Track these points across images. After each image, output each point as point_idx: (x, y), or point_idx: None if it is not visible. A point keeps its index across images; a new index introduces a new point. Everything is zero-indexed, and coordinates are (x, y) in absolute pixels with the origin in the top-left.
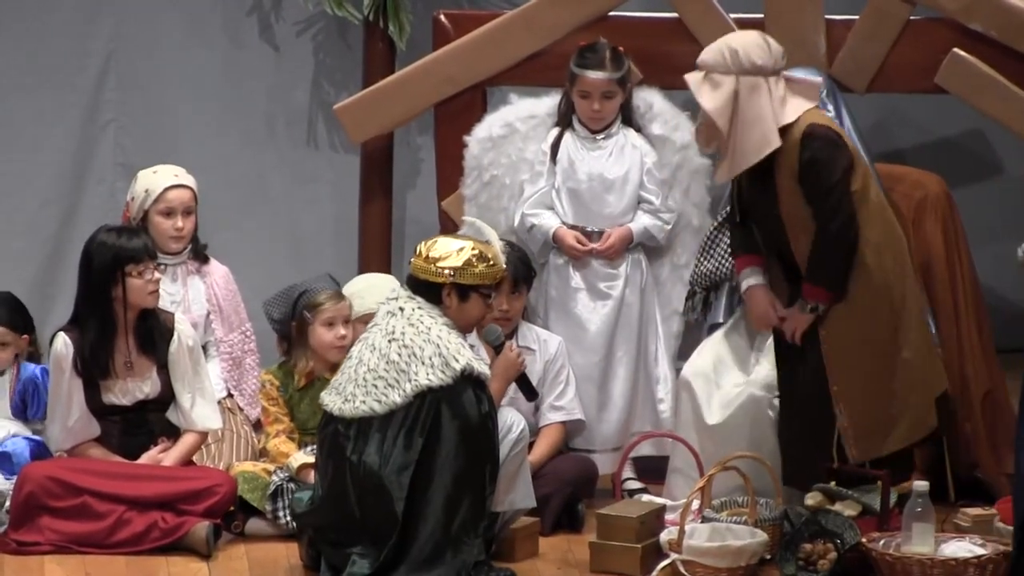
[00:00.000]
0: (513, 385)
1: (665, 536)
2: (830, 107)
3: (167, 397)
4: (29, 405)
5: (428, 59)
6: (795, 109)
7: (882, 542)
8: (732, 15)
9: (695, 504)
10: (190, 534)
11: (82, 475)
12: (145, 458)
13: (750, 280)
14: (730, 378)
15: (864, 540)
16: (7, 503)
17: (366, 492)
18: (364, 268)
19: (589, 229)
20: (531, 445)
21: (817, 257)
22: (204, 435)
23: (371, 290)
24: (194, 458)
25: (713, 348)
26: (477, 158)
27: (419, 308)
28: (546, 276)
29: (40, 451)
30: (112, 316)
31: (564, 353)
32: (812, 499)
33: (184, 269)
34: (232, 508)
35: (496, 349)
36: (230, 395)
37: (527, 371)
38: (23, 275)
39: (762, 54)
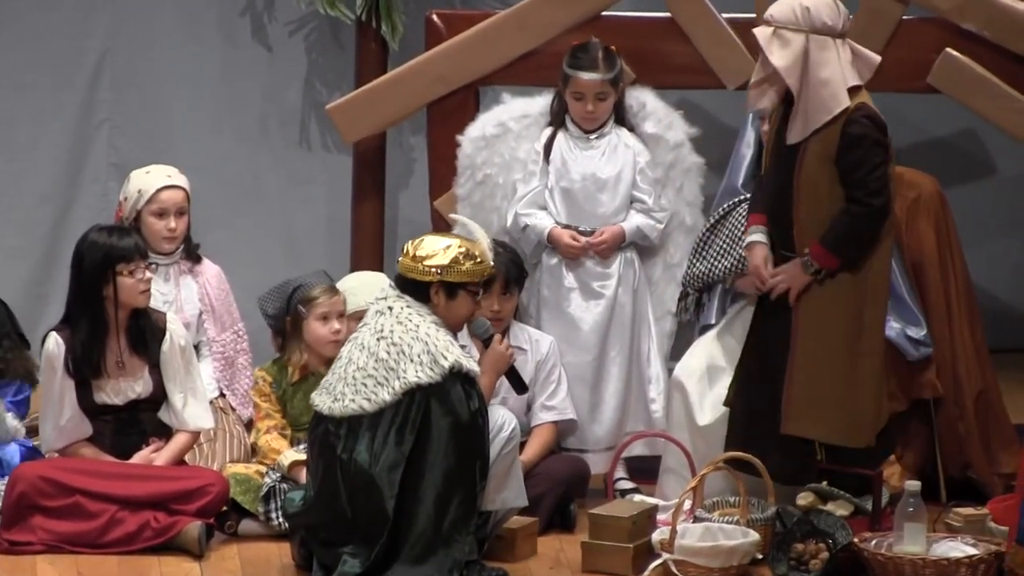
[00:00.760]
0: (506, 384)
1: (657, 536)
2: None
3: (159, 397)
4: None
5: (421, 59)
6: (855, 78)
7: (874, 542)
8: (724, 15)
9: (687, 504)
10: (182, 534)
11: (74, 475)
12: (137, 458)
13: (754, 236)
14: (722, 379)
15: (856, 540)
16: None
17: (357, 490)
18: (357, 268)
19: (582, 229)
20: (523, 445)
21: (844, 229)
22: (196, 435)
23: (363, 288)
24: (186, 458)
25: (705, 349)
26: (470, 157)
27: (407, 307)
28: (538, 276)
29: (32, 457)
30: (103, 315)
31: (556, 353)
32: (804, 499)
33: (176, 269)
34: (225, 508)
35: (485, 342)
36: (222, 395)
37: (520, 369)
38: (16, 274)
39: (832, 14)
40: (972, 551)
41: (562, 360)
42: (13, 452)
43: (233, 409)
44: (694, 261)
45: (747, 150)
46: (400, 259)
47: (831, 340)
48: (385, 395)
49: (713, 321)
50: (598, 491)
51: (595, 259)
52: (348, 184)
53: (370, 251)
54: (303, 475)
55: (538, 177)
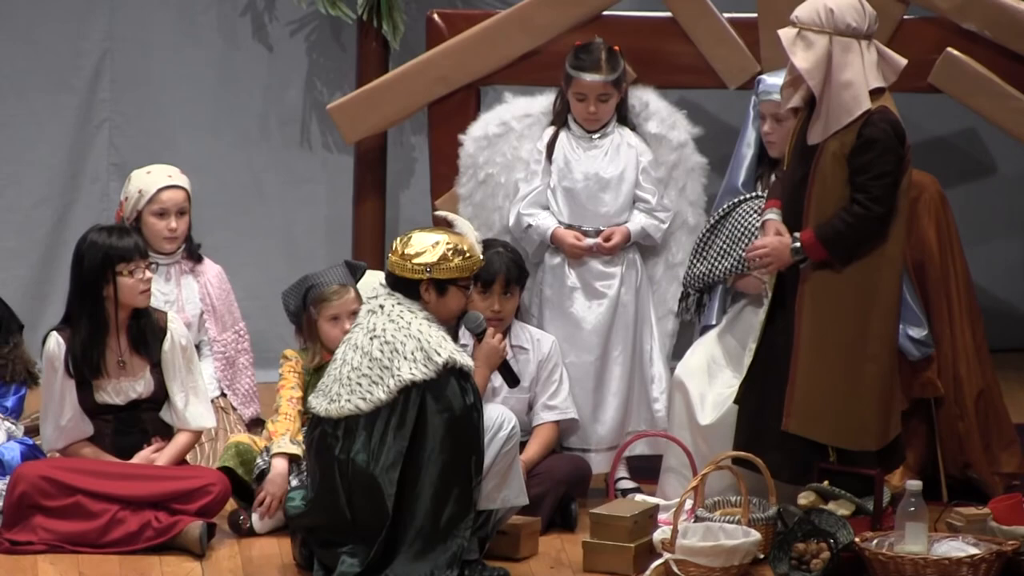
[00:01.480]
0: (501, 383)
1: (658, 535)
2: None
3: (160, 396)
4: None
5: (421, 59)
6: (878, 80)
7: (875, 542)
8: (726, 14)
9: (688, 503)
10: (183, 533)
11: (75, 474)
12: (138, 457)
13: (769, 215)
14: (723, 378)
15: (857, 539)
16: (0, 503)
17: (356, 490)
18: None
19: (585, 228)
20: (524, 444)
21: (839, 226)
22: (197, 434)
23: (366, 288)
24: (187, 457)
25: (706, 348)
26: (472, 156)
27: (398, 304)
28: (541, 275)
29: (33, 455)
30: (103, 315)
31: (558, 352)
32: (805, 498)
33: (178, 269)
34: (237, 506)
35: (478, 336)
36: (223, 394)
37: (518, 369)
38: (17, 274)
39: (857, 16)
40: (974, 551)
41: (564, 360)
42: (14, 451)
43: (234, 409)
44: (694, 262)
45: (748, 150)
46: (389, 257)
47: (834, 342)
48: (380, 394)
49: (714, 321)
50: (599, 491)
51: (598, 259)
52: (349, 184)
53: (371, 251)
54: (283, 467)
55: (540, 177)
